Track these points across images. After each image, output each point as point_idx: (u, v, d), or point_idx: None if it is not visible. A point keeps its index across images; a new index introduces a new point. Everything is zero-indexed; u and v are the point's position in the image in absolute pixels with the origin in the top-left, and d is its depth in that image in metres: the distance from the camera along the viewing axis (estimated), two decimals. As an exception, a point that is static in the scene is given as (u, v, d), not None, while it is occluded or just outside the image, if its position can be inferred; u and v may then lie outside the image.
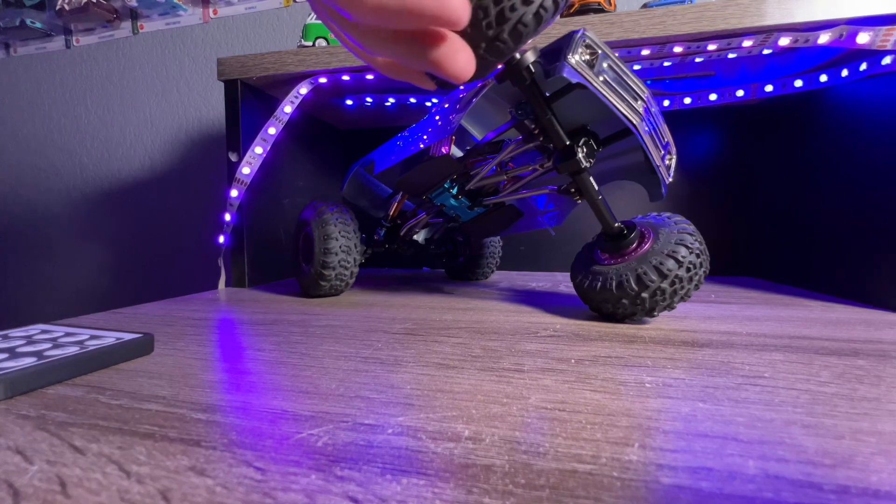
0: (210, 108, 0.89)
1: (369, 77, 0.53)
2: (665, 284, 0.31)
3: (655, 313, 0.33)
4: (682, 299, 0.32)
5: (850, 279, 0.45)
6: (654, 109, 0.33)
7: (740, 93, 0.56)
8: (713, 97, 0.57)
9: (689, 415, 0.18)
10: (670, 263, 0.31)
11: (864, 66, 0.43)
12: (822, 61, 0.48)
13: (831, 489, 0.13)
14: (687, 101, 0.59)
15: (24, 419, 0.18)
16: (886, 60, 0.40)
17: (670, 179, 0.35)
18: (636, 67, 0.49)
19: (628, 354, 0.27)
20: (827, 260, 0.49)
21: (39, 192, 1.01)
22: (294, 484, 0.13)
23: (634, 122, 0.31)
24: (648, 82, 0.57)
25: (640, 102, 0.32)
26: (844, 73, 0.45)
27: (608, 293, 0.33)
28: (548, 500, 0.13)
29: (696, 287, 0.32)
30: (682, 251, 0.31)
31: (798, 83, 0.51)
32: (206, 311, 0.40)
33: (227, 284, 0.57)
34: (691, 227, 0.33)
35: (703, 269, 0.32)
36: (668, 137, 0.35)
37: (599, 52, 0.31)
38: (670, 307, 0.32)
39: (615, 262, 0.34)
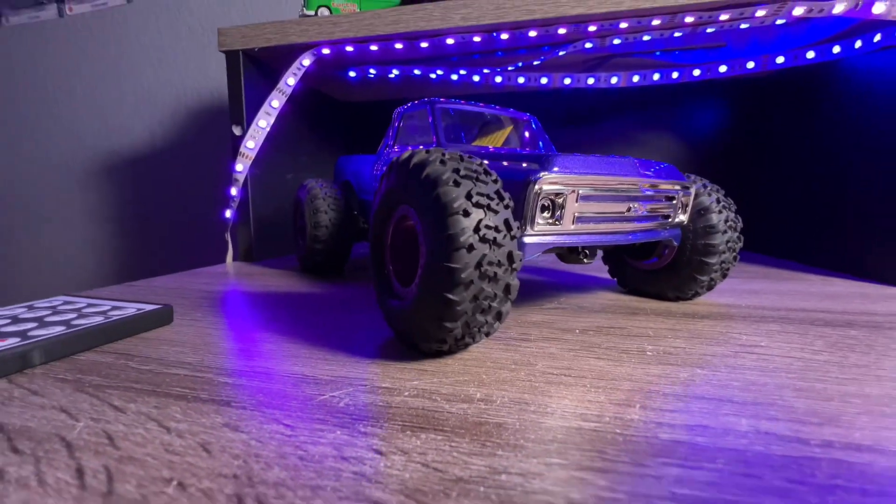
0: (209, 79, 0.88)
1: (373, 48, 0.52)
2: (713, 260, 0.32)
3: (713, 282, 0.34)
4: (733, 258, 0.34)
5: (850, 254, 0.46)
6: (648, 188, 0.28)
7: (751, 64, 0.55)
8: (723, 69, 0.56)
9: (687, 379, 0.19)
10: (716, 238, 0.33)
11: (878, 38, 0.42)
12: (835, 32, 0.47)
13: (817, 444, 0.14)
14: (696, 73, 0.58)
15: (62, 382, 0.19)
16: (901, 31, 0.39)
17: (684, 218, 0.32)
18: (645, 38, 0.48)
19: (631, 325, 0.28)
20: (828, 235, 0.49)
21: (40, 166, 1.00)
22: (322, 438, 0.14)
23: (630, 236, 0.28)
24: (657, 53, 0.56)
25: (633, 206, 0.27)
26: (858, 44, 0.44)
27: (670, 282, 0.34)
28: (556, 452, 0.14)
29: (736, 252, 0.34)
30: (717, 237, 0.33)
31: (810, 54, 0.50)
32: (218, 284, 0.41)
33: (234, 259, 0.58)
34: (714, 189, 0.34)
35: (736, 235, 0.34)
36: (673, 190, 0.30)
37: (564, 189, 0.24)
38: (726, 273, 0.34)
39: (657, 266, 0.35)
